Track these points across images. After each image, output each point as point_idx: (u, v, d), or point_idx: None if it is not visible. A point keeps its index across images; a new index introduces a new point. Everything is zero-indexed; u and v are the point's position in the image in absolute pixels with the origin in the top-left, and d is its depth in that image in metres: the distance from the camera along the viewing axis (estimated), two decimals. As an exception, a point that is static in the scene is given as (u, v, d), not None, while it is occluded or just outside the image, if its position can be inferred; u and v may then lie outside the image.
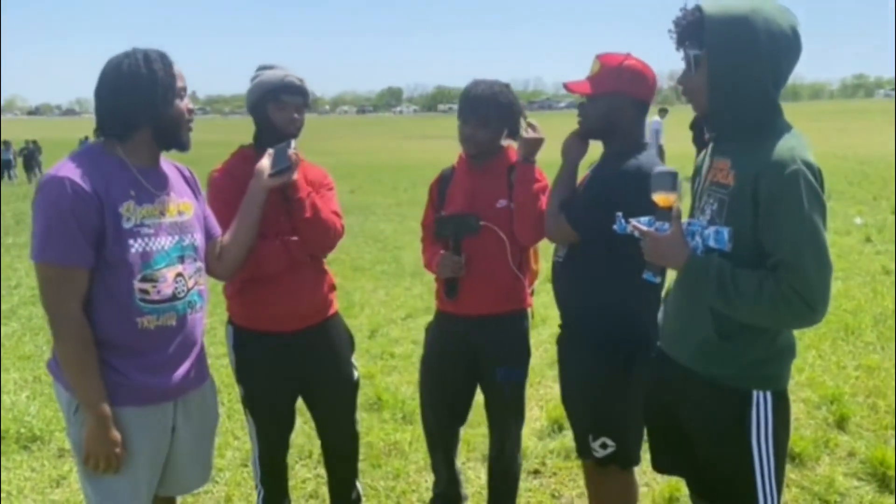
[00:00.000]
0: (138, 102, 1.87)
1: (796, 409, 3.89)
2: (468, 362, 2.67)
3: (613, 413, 2.29)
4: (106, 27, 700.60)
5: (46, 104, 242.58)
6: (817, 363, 4.67)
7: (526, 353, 2.67)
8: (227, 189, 2.40)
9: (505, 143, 2.64)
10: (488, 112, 2.51)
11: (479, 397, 2.85)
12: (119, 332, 1.88)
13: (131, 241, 1.86)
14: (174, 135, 1.95)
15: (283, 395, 2.61)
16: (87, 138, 25.91)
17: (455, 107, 2.74)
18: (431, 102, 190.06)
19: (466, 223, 2.57)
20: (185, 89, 1.96)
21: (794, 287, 1.62)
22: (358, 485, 2.85)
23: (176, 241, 1.97)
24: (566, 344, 2.49)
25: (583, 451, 2.41)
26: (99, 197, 1.82)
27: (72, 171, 1.82)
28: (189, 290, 1.98)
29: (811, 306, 1.63)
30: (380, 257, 8.76)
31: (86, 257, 1.82)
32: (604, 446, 2.33)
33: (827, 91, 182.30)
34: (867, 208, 11.04)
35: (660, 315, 2.07)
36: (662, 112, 17.12)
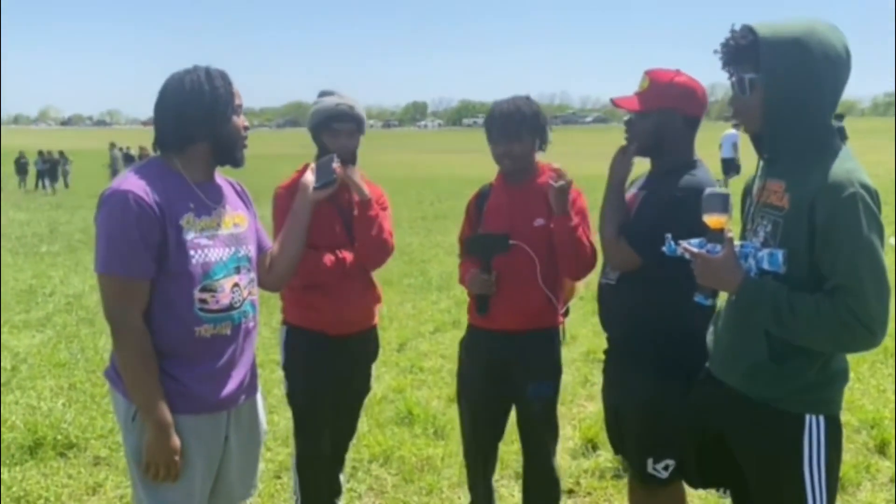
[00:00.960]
0: (199, 117, 1.92)
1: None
2: (501, 377, 2.65)
3: (677, 434, 2.21)
4: (135, 41, 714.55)
5: (78, 115, 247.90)
6: (856, 387, 4.57)
7: (557, 369, 2.66)
8: (289, 205, 2.44)
9: (538, 155, 2.63)
10: (517, 126, 2.52)
11: (511, 414, 2.84)
12: (176, 340, 1.92)
13: (192, 253, 1.91)
14: (230, 150, 2.00)
15: (321, 394, 2.75)
16: (113, 145, 26.47)
17: (479, 121, 2.78)
18: (456, 117, 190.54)
19: (496, 243, 2.56)
20: (241, 106, 2.01)
21: (853, 310, 1.60)
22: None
23: (232, 252, 2.01)
24: (618, 365, 2.43)
25: (641, 473, 2.34)
26: (161, 209, 1.86)
27: (134, 185, 1.86)
28: (244, 300, 2.03)
29: (871, 329, 1.61)
30: (406, 270, 8.77)
31: (148, 269, 1.86)
32: (667, 468, 2.29)
33: (858, 109, 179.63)
34: (901, 228, 10.83)
35: (709, 337, 2.03)
36: (737, 125, 17.00)
